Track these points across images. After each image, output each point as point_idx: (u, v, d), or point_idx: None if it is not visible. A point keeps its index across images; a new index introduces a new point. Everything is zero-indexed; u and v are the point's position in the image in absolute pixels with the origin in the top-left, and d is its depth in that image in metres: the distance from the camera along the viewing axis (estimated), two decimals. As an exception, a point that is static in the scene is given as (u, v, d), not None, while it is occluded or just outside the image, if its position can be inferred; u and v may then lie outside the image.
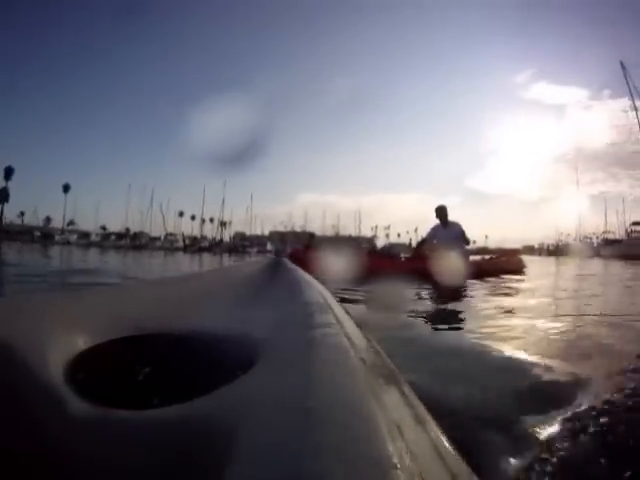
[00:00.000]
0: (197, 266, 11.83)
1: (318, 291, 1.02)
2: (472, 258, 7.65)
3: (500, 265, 7.89)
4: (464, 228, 7.02)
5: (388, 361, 0.57)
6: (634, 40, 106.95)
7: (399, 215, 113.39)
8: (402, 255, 8.59)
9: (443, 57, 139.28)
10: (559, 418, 1.16)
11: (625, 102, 41.55)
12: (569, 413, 1.18)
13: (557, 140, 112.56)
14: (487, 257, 8.57)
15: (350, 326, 0.68)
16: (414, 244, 8.61)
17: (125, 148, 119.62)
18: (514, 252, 10.17)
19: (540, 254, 53.22)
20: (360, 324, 0.74)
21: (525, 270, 8.44)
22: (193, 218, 74.87)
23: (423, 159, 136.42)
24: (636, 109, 40.49)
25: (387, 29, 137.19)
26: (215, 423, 0.42)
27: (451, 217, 7.05)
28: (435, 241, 7.05)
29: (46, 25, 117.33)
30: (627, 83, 41.32)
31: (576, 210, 63.07)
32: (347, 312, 0.83)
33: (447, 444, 0.36)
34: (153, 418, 0.47)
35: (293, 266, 1.63)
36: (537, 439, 1.07)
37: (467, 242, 7.14)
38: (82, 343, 0.67)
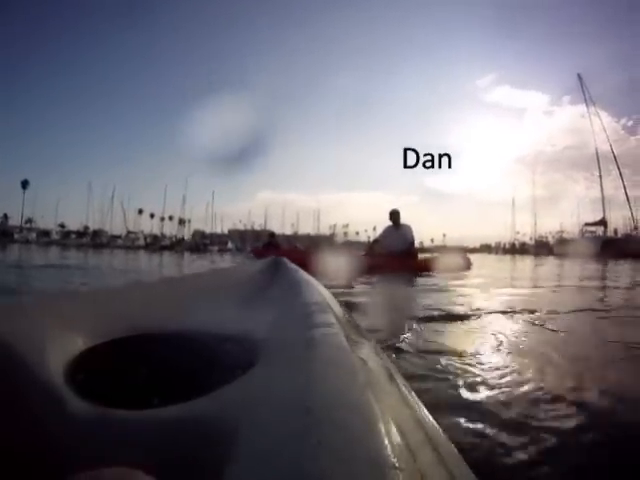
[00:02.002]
0: (158, 265, 11.88)
1: (318, 291, 1.02)
2: (421, 256, 8.33)
3: (445, 263, 8.44)
4: (414, 230, 7.83)
5: (388, 361, 0.57)
6: (592, 52, 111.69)
7: (359, 214, 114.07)
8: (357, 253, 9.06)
9: (407, 57, 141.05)
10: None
11: (584, 108, 43.51)
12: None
13: (517, 142, 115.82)
14: (435, 255, 9.19)
15: (350, 326, 0.67)
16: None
17: (87, 144, 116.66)
18: (460, 251, 10.77)
19: (497, 253, 55.00)
20: (360, 324, 0.75)
21: (470, 267, 8.95)
22: (152, 216, 73.65)
23: (384, 158, 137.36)
24: (591, 119, 42.37)
25: (353, 24, 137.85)
26: (215, 423, 0.42)
27: (410, 216, 7.77)
28: (387, 240, 7.72)
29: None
30: (583, 94, 43.25)
31: (533, 210, 65.23)
32: (347, 312, 0.83)
33: (447, 444, 0.37)
34: (153, 418, 0.47)
35: (293, 266, 1.63)
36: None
37: (413, 242, 8.03)
38: (82, 343, 0.67)
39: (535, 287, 6.59)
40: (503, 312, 3.05)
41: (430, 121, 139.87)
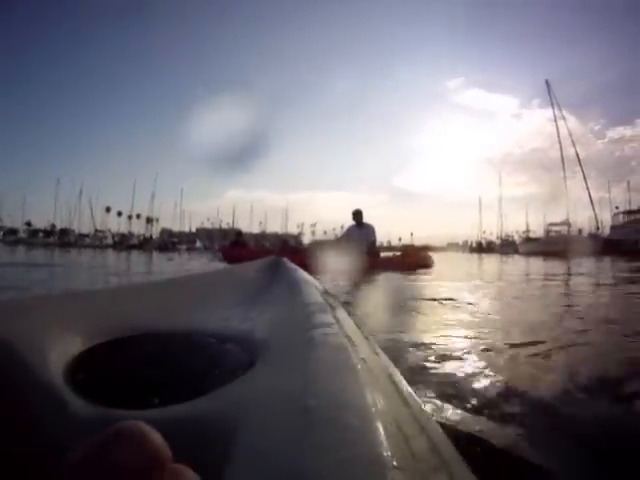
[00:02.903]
0: (125, 263, 11.82)
1: (318, 291, 1.02)
2: (383, 254, 8.58)
3: (408, 261, 8.70)
4: (376, 229, 8.02)
5: (388, 361, 0.58)
6: (563, 57, 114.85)
7: (327, 212, 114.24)
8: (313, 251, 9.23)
9: (376, 57, 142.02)
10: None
11: (553, 111, 44.76)
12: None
13: (486, 144, 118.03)
14: (398, 254, 9.46)
15: (350, 326, 0.68)
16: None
17: (55, 139, 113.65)
18: (423, 249, 11.11)
19: (464, 251, 56.10)
20: (360, 324, 0.76)
21: (433, 265, 9.22)
22: (120, 214, 72.33)
23: (353, 158, 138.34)
24: (557, 124, 43.63)
25: (324, 24, 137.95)
26: (215, 423, 0.42)
27: (378, 215, 8.03)
28: (349, 239, 7.93)
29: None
30: (551, 100, 44.49)
31: (499, 210, 66.74)
32: (347, 312, 0.84)
33: (447, 444, 0.37)
34: (153, 418, 0.46)
35: (293, 266, 1.62)
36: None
37: (375, 241, 8.12)
38: (82, 343, 0.67)
39: (480, 280, 7.20)
40: (432, 299, 3.78)
41: (400, 121, 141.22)
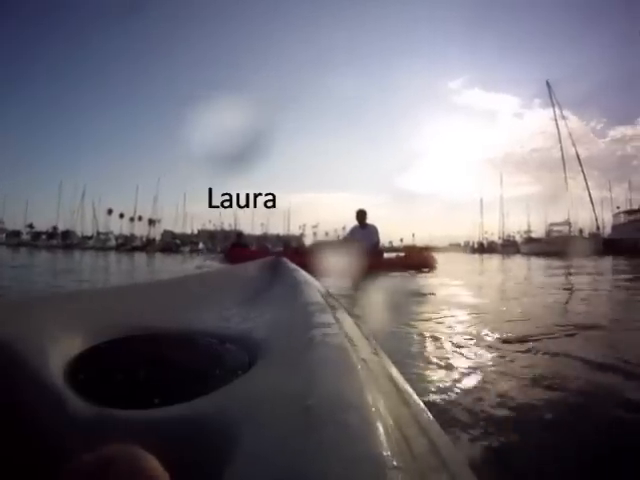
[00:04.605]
0: (127, 265, 11.90)
1: (318, 291, 1.02)
2: (386, 255, 8.66)
3: (411, 262, 8.77)
4: (379, 229, 8.06)
5: (388, 361, 0.58)
6: (564, 56, 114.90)
7: (329, 214, 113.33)
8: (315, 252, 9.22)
9: (379, 59, 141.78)
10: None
11: (554, 112, 44.79)
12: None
13: (487, 143, 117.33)
14: (401, 254, 9.55)
15: (350, 326, 0.68)
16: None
17: (56, 142, 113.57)
18: (425, 250, 11.14)
19: (465, 252, 56.14)
20: (360, 324, 0.76)
21: (436, 266, 9.24)
22: (122, 216, 72.21)
23: (354, 159, 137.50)
24: (558, 125, 43.70)
25: (325, 24, 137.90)
26: (215, 423, 0.42)
27: (380, 215, 8.07)
28: (353, 240, 7.99)
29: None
30: (551, 101, 44.52)
31: (501, 210, 66.74)
32: (347, 312, 0.84)
33: (447, 444, 0.37)
34: (153, 418, 0.47)
35: (293, 266, 1.63)
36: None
37: (378, 242, 8.14)
38: (83, 343, 0.68)
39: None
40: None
41: (401, 122, 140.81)
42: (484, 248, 56.36)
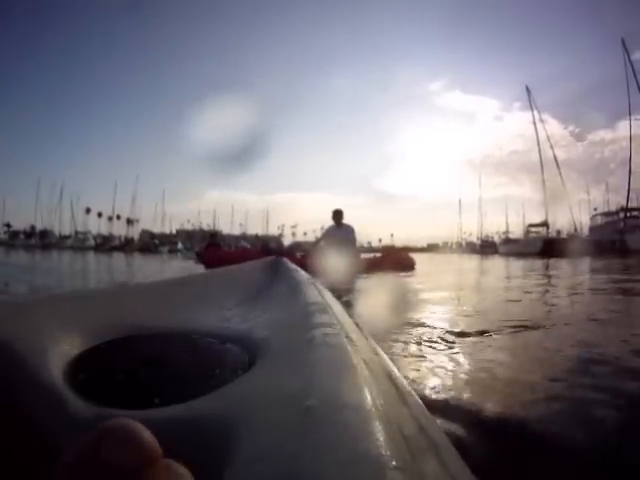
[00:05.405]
0: (107, 265, 11.71)
1: (318, 291, 1.02)
2: (364, 255, 8.63)
3: (389, 262, 8.77)
4: (356, 230, 7.99)
5: (388, 361, 0.58)
6: (544, 61, 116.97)
7: (308, 214, 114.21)
8: (298, 253, 9.23)
9: (360, 58, 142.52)
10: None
11: (533, 117, 45.44)
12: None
13: (467, 145, 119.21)
14: (378, 255, 9.54)
15: (350, 326, 0.68)
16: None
17: (34, 139, 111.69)
18: (403, 250, 11.21)
19: (444, 252, 56.78)
20: (360, 324, 0.76)
21: (414, 267, 9.30)
22: (100, 215, 71.43)
23: (334, 159, 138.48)
24: (536, 128, 44.36)
25: (304, 25, 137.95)
26: (215, 423, 0.42)
27: (358, 216, 7.98)
28: (329, 240, 7.92)
29: None
30: (531, 105, 45.17)
31: (479, 211, 67.49)
32: (347, 312, 0.84)
33: (447, 444, 0.37)
34: (153, 418, 0.47)
35: (293, 266, 1.63)
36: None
37: (354, 242, 8.08)
38: (83, 343, 0.67)
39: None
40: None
41: (382, 123, 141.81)
42: (462, 248, 57.13)
